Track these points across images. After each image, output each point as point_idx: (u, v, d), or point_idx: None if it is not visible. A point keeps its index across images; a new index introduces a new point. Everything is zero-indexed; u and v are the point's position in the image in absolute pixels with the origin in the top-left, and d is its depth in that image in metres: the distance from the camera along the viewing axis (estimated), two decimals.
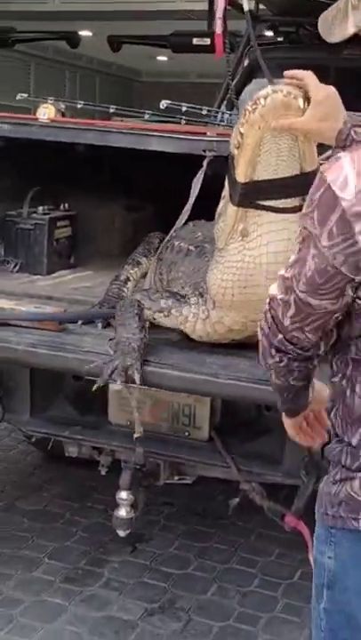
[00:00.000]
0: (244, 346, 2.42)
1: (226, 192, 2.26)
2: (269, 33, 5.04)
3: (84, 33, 11.20)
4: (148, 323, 2.46)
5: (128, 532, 2.70)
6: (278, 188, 2.12)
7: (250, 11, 3.74)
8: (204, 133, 2.81)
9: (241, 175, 2.12)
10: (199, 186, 2.73)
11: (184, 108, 2.98)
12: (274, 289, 1.51)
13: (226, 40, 3.13)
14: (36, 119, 2.97)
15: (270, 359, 1.57)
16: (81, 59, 14.00)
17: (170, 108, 3.12)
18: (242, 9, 4.39)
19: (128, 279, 2.95)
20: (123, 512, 2.65)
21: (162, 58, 13.65)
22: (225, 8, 2.91)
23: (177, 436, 2.74)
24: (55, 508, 3.80)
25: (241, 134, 2.03)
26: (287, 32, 4.83)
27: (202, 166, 2.74)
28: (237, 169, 2.12)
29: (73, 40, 10.41)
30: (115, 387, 2.33)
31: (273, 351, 1.54)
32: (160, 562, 3.40)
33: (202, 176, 2.73)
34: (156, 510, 3.76)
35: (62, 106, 3.04)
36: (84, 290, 3.15)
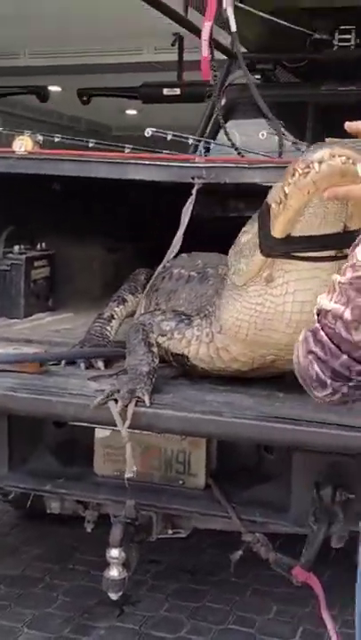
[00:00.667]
0: (248, 382, 2.24)
1: (247, 227, 2.11)
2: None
3: (54, 88, 11.22)
4: (155, 347, 2.31)
5: (120, 593, 2.46)
6: (316, 243, 1.97)
7: (229, 49, 3.66)
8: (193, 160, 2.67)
9: (278, 232, 1.96)
10: (189, 215, 2.57)
11: (169, 137, 2.84)
12: (326, 301, 1.28)
13: (213, 63, 3.02)
14: (13, 152, 2.79)
15: (321, 391, 1.32)
16: (52, 115, 14.01)
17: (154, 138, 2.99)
18: (226, 51, 4.36)
19: (112, 317, 2.78)
20: (115, 572, 2.40)
21: (131, 112, 13.73)
22: (211, 30, 2.82)
23: (171, 485, 2.53)
24: (34, 572, 3.55)
25: (285, 194, 1.87)
26: (264, 69, 4.79)
27: (191, 195, 2.58)
28: (275, 225, 1.95)
29: (42, 94, 10.43)
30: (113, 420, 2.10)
31: (328, 380, 1.30)
32: (150, 625, 3.16)
33: (191, 205, 2.57)
34: (142, 569, 3.51)
35: (40, 137, 2.88)
36: (64, 332, 2.97)
